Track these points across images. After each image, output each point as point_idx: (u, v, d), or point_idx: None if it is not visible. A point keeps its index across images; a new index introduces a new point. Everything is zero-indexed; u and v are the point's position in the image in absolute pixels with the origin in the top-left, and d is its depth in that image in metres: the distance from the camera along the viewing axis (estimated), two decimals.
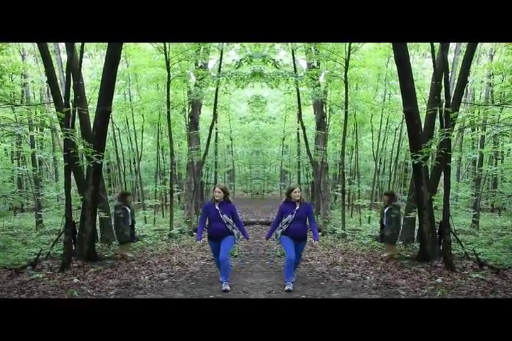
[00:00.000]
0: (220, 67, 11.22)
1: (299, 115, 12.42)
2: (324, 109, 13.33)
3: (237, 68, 10.47)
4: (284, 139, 20.68)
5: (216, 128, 15.62)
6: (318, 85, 11.66)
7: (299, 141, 16.91)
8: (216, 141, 16.44)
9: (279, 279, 5.84)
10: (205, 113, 16.45)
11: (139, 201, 13.79)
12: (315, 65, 12.38)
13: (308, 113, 16.09)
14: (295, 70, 11.16)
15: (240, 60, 10.46)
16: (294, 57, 11.49)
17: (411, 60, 6.85)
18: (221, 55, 11.27)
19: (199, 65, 12.45)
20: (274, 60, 10.19)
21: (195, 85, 11.88)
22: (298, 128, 15.68)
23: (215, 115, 12.47)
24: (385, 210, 7.42)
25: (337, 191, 13.67)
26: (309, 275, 6.31)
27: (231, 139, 20.15)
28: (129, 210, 7.36)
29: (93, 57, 13.31)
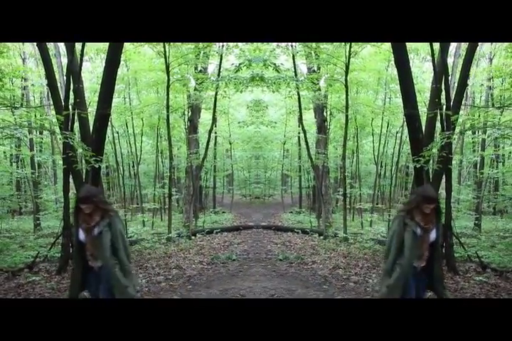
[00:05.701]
0: (219, 71, 11.27)
1: (300, 119, 12.38)
2: (325, 113, 13.36)
3: (236, 72, 10.51)
4: (284, 143, 20.64)
5: (215, 132, 15.66)
6: (319, 89, 11.68)
7: (299, 145, 16.88)
8: (215, 144, 16.48)
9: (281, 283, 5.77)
10: (205, 117, 16.49)
11: (137, 204, 13.78)
12: (315, 69, 12.43)
13: (309, 117, 16.09)
14: (295, 74, 11.17)
15: (239, 64, 10.51)
16: (294, 62, 11.50)
17: (411, 64, 6.81)
18: (221, 59, 11.33)
19: (199, 69, 12.52)
20: (275, 64, 10.17)
21: (195, 89, 11.92)
22: (299, 132, 15.63)
23: (214, 119, 12.50)
24: None
25: (338, 195, 13.65)
26: (312, 278, 6.27)
27: (230, 143, 20.17)
28: None
29: (93, 61, 13.38)
